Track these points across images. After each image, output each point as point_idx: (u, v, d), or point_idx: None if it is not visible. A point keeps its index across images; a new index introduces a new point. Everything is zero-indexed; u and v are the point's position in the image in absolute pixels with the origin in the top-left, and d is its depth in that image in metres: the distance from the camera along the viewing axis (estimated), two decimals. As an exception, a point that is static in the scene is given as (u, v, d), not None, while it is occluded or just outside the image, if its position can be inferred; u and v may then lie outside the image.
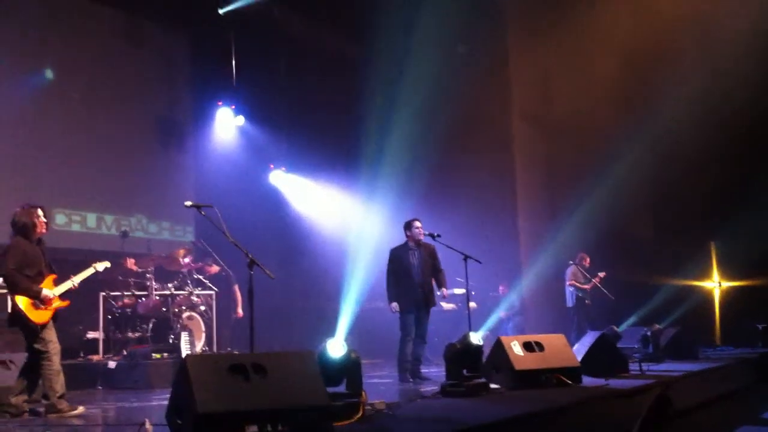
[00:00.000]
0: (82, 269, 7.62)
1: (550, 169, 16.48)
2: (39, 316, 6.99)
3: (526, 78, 15.87)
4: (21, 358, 8.01)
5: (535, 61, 15.83)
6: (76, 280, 7.41)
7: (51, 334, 7.04)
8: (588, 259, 13.57)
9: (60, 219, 11.80)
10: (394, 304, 9.55)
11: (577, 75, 14.89)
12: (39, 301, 6.99)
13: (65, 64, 12.14)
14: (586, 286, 13.36)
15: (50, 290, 7.08)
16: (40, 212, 7.19)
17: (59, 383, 6.95)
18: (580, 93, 14.68)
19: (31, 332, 6.99)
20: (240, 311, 11.88)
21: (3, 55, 11.17)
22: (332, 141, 14.48)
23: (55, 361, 6.99)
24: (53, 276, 7.24)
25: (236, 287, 11.96)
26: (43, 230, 7.19)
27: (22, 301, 6.96)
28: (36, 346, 6.97)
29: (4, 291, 9.56)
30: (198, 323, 10.83)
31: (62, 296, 7.25)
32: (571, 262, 13.60)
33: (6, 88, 11.14)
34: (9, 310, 7.14)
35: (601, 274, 13.34)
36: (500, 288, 14.67)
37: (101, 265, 8.06)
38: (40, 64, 11.75)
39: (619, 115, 14.36)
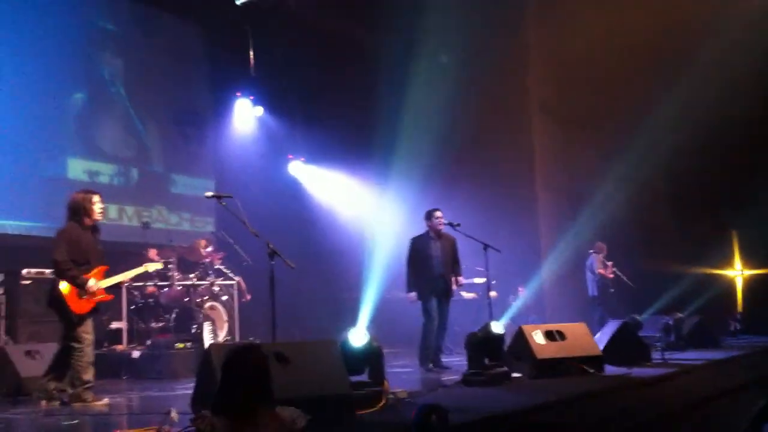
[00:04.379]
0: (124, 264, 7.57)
1: (569, 159, 16.40)
2: (80, 306, 6.85)
3: (544, 68, 15.80)
4: (48, 348, 8.13)
5: (553, 51, 15.74)
6: (129, 274, 7.35)
7: (88, 326, 6.91)
8: (605, 249, 13.51)
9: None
10: (413, 294, 9.56)
11: (595, 65, 14.79)
12: (84, 291, 6.85)
13: (83, 58, 12.21)
14: (610, 275, 13.29)
15: (96, 282, 6.94)
16: (96, 198, 7.05)
17: (89, 374, 6.86)
18: (599, 83, 14.59)
19: (69, 321, 6.87)
20: (247, 296, 11.78)
21: (22, 48, 11.20)
22: (351, 130, 14.48)
23: (87, 352, 6.87)
24: (103, 267, 7.10)
25: (239, 279, 11.94)
26: (98, 218, 7.05)
27: (66, 288, 6.82)
28: (71, 335, 6.85)
29: (41, 276, 9.77)
30: (220, 313, 10.89)
31: (108, 290, 7.13)
32: (591, 251, 13.54)
33: (30, 80, 11.20)
34: (50, 292, 6.98)
35: (609, 264, 13.28)
36: (519, 290, 14.53)
37: (153, 266, 8.05)
38: (61, 55, 11.81)
39: (638, 104, 14.24)
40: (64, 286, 6.84)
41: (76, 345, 6.83)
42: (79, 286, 6.84)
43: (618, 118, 14.53)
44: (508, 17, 14.81)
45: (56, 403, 6.89)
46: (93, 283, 6.89)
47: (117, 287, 7.45)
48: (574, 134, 16.10)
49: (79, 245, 6.91)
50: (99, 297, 7.00)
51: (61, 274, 6.87)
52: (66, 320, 6.92)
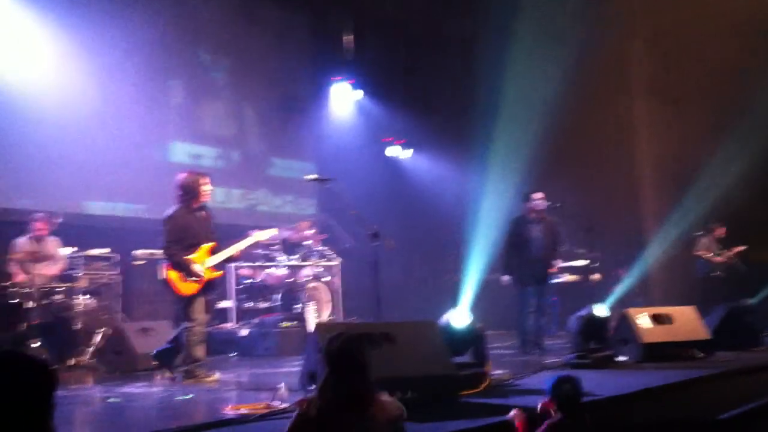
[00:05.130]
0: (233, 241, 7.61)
1: (673, 137, 15.89)
2: (187, 287, 6.98)
3: (645, 49, 15.33)
4: (161, 326, 8.48)
5: (657, 25, 15.25)
6: (239, 246, 7.34)
7: (198, 305, 7.01)
8: (723, 231, 13.00)
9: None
10: (506, 277, 9.48)
11: (699, 43, 14.24)
12: (188, 276, 6.97)
13: (185, 44, 12.55)
14: (718, 258, 12.81)
15: (201, 264, 7.00)
16: (205, 180, 7.14)
17: (200, 352, 7.02)
18: (705, 61, 14.05)
19: (178, 302, 7.09)
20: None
21: (127, 35, 11.57)
22: (451, 113, 14.45)
23: (198, 331, 7.01)
24: (212, 245, 7.15)
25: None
26: (206, 199, 7.15)
27: (172, 272, 6.99)
28: (182, 314, 7.05)
29: (152, 257, 10.15)
30: (322, 293, 11.07)
31: (219, 266, 7.20)
32: (701, 232, 13.10)
33: (133, 66, 11.59)
34: (163, 275, 7.19)
35: (739, 248, 12.76)
36: (622, 272, 14.13)
37: (265, 234, 7.93)
38: (164, 41, 12.16)
39: (751, 79, 13.64)
40: (170, 270, 7.01)
41: (187, 324, 7.02)
42: (184, 270, 6.96)
43: (728, 94, 13.95)
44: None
45: (170, 379, 7.17)
46: (198, 269, 6.98)
47: (226, 265, 7.54)
48: (679, 112, 15.58)
49: (186, 229, 7.03)
50: (207, 276, 7.07)
51: (168, 261, 7.05)
52: (177, 302, 7.16)
